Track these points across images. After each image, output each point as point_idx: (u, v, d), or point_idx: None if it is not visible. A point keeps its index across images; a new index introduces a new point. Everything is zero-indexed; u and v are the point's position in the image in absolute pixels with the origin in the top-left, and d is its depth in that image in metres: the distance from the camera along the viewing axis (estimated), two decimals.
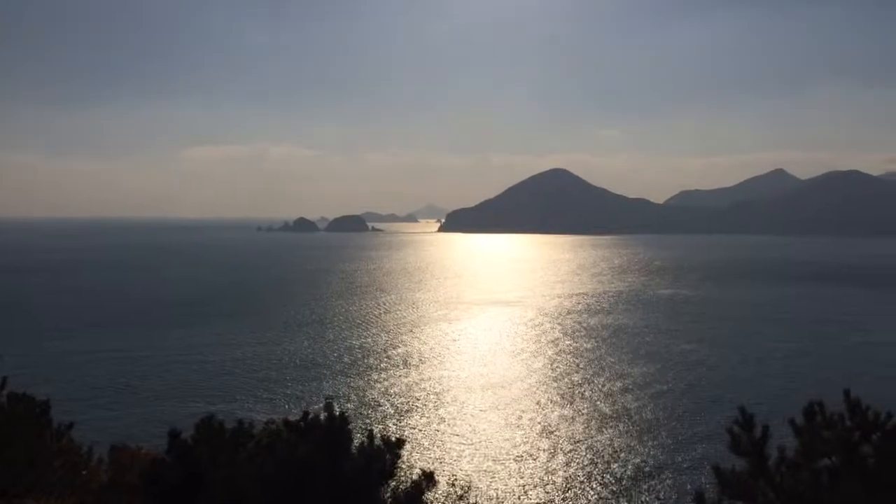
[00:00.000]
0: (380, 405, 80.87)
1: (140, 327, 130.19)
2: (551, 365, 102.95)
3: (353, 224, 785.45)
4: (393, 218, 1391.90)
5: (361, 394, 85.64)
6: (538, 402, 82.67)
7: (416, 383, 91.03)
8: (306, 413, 11.69)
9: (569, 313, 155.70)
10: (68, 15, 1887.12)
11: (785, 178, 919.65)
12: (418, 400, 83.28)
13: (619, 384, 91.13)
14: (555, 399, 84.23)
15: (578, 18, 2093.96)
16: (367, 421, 73.33)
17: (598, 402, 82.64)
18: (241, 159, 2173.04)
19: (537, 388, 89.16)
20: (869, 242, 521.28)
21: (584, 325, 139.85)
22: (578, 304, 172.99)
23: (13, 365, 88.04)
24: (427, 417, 76.63)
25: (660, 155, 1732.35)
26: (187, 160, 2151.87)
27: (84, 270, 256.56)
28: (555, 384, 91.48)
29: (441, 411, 78.85)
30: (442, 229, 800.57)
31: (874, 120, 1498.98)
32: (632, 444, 67.75)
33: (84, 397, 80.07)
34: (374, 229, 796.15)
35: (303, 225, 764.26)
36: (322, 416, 11.67)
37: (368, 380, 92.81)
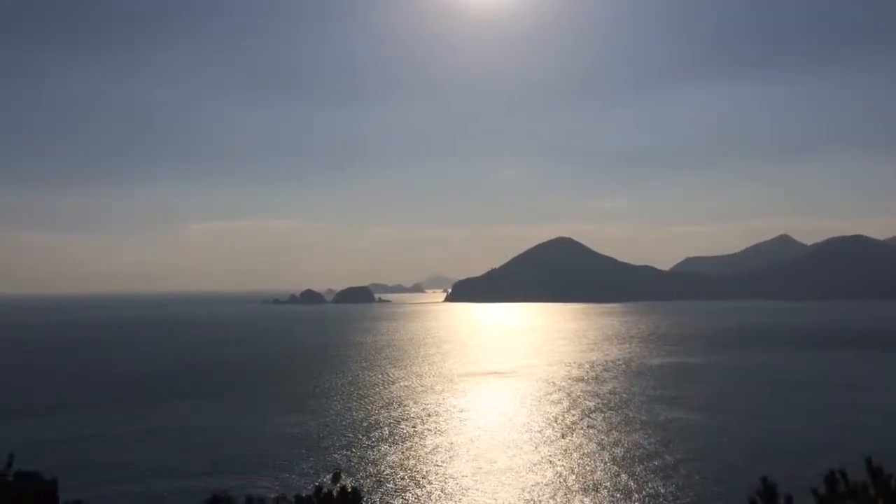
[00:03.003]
0: (391, 479, 79.38)
1: (145, 403, 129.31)
2: (565, 435, 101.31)
3: (360, 295, 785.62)
4: (399, 288, 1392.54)
5: (372, 467, 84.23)
6: (556, 476, 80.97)
7: (427, 456, 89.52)
8: (319, 488, 11.46)
9: (579, 381, 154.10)
10: (67, 104, 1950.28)
11: (790, 243, 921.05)
12: (430, 473, 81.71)
13: (636, 453, 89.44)
14: (574, 470, 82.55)
15: (581, 85, 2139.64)
16: (379, 495, 71.88)
17: (618, 473, 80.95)
18: (246, 233, 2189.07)
19: (553, 460, 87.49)
20: (877, 305, 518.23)
21: (596, 394, 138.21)
22: (588, 373, 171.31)
23: (17, 443, 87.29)
24: (439, 491, 75.03)
25: (665, 222, 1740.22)
26: (191, 236, 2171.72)
27: (89, 347, 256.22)
28: (571, 454, 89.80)
29: (454, 483, 77.24)
30: (448, 299, 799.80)
31: (878, 185, 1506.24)
32: None
33: (91, 475, 78.88)
34: (380, 300, 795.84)
35: (310, 297, 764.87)
36: (335, 491, 11.47)
37: (378, 453, 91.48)
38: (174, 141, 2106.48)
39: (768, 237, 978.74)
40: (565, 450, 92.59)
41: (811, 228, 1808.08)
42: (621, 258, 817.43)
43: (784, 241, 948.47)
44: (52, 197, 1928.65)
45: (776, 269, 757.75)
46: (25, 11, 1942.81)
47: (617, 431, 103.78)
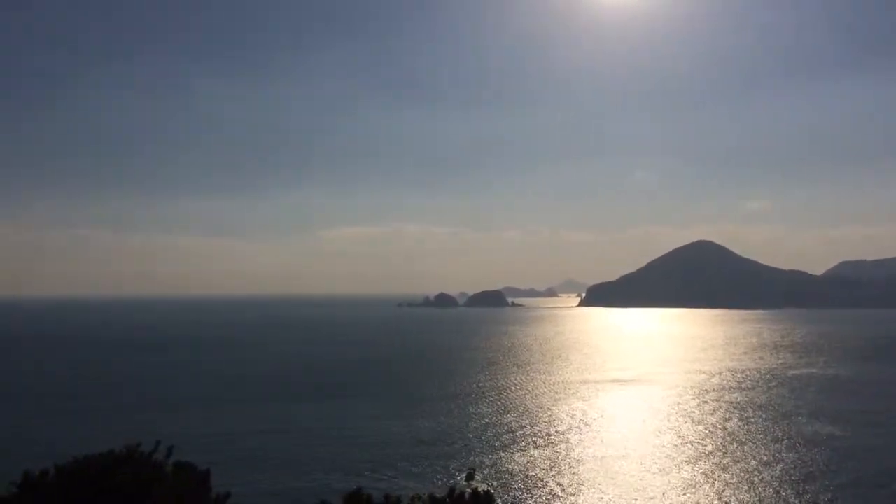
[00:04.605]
0: (523, 486, 78.96)
1: (285, 402, 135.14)
2: (715, 450, 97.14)
3: (493, 299, 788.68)
4: (532, 293, 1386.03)
5: (504, 473, 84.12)
6: (713, 495, 77.91)
7: (564, 466, 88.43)
8: (452, 489, 11.60)
9: (725, 392, 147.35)
10: (213, 122, 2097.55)
11: None
12: (567, 485, 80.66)
13: (764, 467, 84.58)
14: (728, 489, 79.12)
15: (721, 81, 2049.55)
16: (507, 498, 71.75)
17: (741, 488, 76.86)
18: (379, 238, 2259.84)
19: (706, 476, 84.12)
20: None
21: (746, 406, 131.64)
22: (736, 383, 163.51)
23: (176, 435, 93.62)
24: (563, 496, 73.94)
25: (817, 224, 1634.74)
26: (327, 240, 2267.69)
27: (232, 346, 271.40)
28: (725, 471, 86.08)
29: (594, 498, 75.94)
30: (582, 304, 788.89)
31: None
32: None
33: (239, 468, 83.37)
34: (513, 304, 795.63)
35: (443, 300, 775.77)
36: (467, 493, 11.57)
37: (511, 459, 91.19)
38: (310, 148, 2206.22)
39: None
40: (718, 466, 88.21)
41: None
42: (767, 262, 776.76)
43: None
44: (191, 203, 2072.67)
45: None
46: (165, 25, 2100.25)
47: (752, 442, 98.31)
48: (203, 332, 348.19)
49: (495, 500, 11.97)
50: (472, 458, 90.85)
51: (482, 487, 12.39)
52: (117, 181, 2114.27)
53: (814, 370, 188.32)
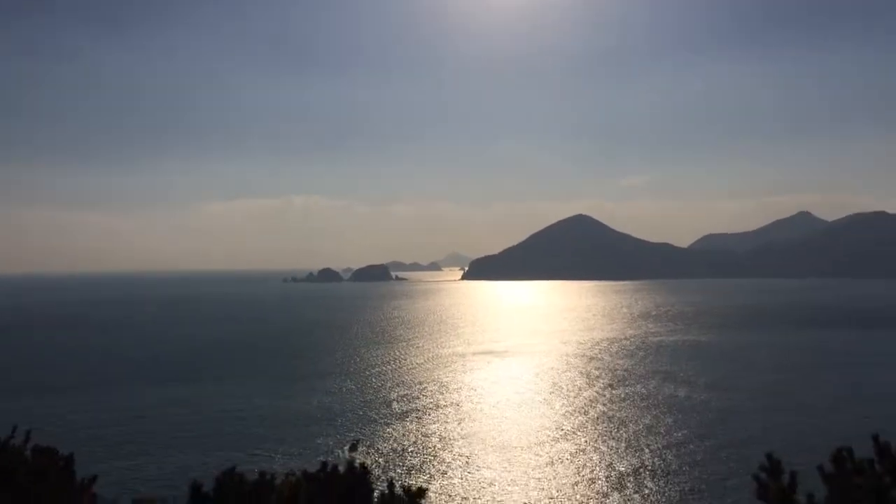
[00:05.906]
0: (399, 455, 79.90)
1: (162, 382, 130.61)
2: (573, 415, 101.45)
3: (377, 274, 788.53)
4: (416, 267, 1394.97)
5: (380, 444, 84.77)
6: (557, 456, 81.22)
7: (435, 434, 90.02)
8: (325, 464, 11.54)
9: (591, 360, 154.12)
10: (80, 81, 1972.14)
11: (810, 220, 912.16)
12: (437, 450, 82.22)
13: (641, 432, 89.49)
14: (579, 450, 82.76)
15: (601, 61, 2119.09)
16: (387, 471, 72.48)
17: (622, 453, 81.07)
18: (265, 212, 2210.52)
19: (557, 440, 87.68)
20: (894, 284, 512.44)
21: (605, 372, 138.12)
22: (598, 351, 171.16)
23: (35, 419, 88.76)
24: (446, 467, 75.52)
25: (684, 199, 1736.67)
26: (210, 214, 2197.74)
27: (103, 326, 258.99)
28: (576, 434, 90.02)
29: (460, 461, 77.73)
30: (465, 277, 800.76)
31: None
32: (660, 497, 66.29)
33: (105, 451, 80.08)
34: (397, 278, 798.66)
35: (327, 275, 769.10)
36: (341, 467, 11.57)
37: (391, 430, 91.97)
38: (186, 115, 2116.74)
39: (788, 213, 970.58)
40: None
41: (832, 204, 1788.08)
42: (640, 235, 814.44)
43: (804, 217, 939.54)
44: (51, 173, 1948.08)
45: (795, 245, 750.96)
46: None
47: (629, 408, 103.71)
48: (67, 312, 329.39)
49: (371, 473, 12.05)
50: (353, 433, 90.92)
51: (359, 461, 12.44)
52: None
53: (682, 338, 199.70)
